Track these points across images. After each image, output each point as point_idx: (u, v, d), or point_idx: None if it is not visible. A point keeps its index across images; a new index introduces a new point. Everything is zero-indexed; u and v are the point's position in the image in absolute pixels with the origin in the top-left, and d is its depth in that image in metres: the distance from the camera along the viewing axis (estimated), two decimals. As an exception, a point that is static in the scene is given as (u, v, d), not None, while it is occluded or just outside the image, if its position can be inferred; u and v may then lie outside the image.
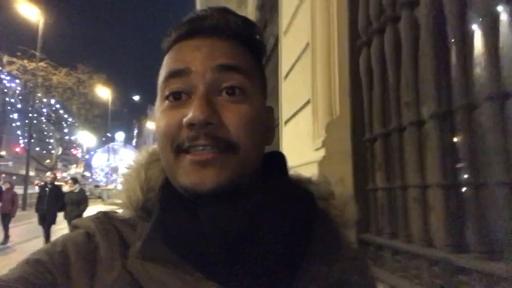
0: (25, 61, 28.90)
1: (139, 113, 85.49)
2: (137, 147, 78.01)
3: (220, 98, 0.61)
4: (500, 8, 1.23)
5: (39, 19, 29.45)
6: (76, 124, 39.37)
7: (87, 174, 51.45)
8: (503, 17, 1.22)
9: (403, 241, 1.72)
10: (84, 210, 9.86)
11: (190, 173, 0.59)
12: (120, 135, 67.43)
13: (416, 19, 1.67)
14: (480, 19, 1.27)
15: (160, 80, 0.67)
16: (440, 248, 1.46)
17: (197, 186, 0.58)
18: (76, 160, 48.97)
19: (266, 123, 0.69)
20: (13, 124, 41.46)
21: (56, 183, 10.76)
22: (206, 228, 0.57)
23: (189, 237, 0.58)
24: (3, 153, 42.25)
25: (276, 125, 3.01)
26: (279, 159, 0.73)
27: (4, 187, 12.41)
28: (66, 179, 17.06)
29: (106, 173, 62.99)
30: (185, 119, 0.58)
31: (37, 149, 36.72)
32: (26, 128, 32.59)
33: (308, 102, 2.75)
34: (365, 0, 2.13)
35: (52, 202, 9.81)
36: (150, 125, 79.39)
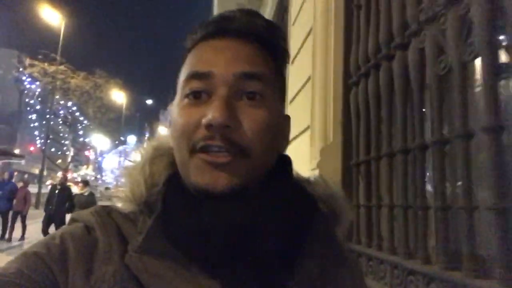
0: (46, 64, 29.57)
1: (151, 117, 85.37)
2: None
3: (240, 102, 0.62)
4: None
5: (60, 24, 30.20)
6: (91, 127, 40.08)
7: (95, 175, 51.61)
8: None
9: (375, 249, 2.08)
10: None
11: (203, 172, 0.59)
12: (132, 138, 67.57)
13: (391, 68, 2.05)
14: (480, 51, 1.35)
15: (181, 78, 0.67)
16: (400, 254, 1.81)
17: (209, 186, 0.58)
18: (87, 161, 49.22)
19: (282, 131, 0.70)
20: (31, 125, 42.25)
21: (67, 184, 10.97)
22: (208, 224, 0.57)
23: (190, 233, 0.57)
24: (17, 151, 42.95)
25: None
26: (286, 162, 0.73)
27: (18, 185, 12.49)
28: (76, 180, 16.29)
29: (117, 176, 63.55)
30: (204, 120, 0.59)
31: (52, 149, 37.36)
32: (44, 129, 33.36)
33: (307, 128, 3.04)
34: (356, 48, 2.52)
35: (61, 203, 9.84)
36: (162, 129, 79.79)
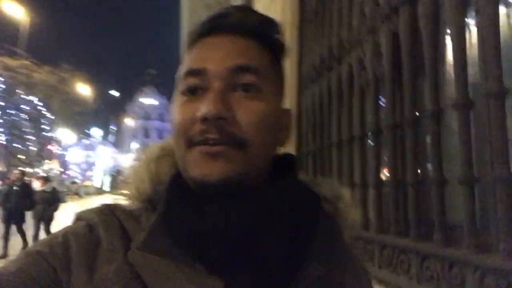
0: (7, 58, 29.17)
1: (117, 109, 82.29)
2: (116, 143, 75.52)
3: (235, 94, 0.61)
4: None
5: (23, 18, 29.71)
6: (56, 121, 39.68)
7: (61, 169, 50.17)
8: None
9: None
10: (56, 209, 9.49)
11: (200, 164, 0.58)
12: (96, 131, 65.71)
13: (330, 77, 2.65)
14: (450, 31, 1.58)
15: (179, 76, 0.67)
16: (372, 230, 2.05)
17: (205, 176, 0.57)
18: (49, 156, 47.67)
19: (280, 124, 0.69)
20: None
21: (24, 179, 10.14)
22: (211, 223, 0.56)
23: (193, 231, 0.57)
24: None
25: None
26: (290, 160, 0.73)
27: None
28: (38, 175, 15.77)
29: (84, 170, 62.60)
30: (198, 113, 0.58)
31: (16, 145, 36.59)
32: (7, 125, 32.79)
33: None
34: (306, 59, 3.14)
35: (20, 200, 9.17)
36: (128, 121, 77.73)
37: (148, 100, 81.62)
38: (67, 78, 34.91)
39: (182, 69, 0.66)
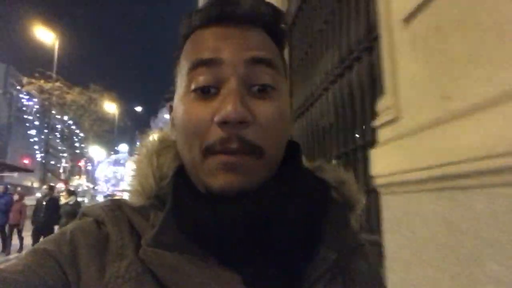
0: (42, 81, 31.14)
1: (141, 124, 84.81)
2: None
3: (251, 94, 0.57)
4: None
5: (54, 42, 31.48)
6: (87, 139, 41.58)
7: (90, 185, 51.33)
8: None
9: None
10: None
11: (218, 175, 0.55)
12: (123, 147, 67.35)
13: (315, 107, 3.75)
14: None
15: (183, 68, 0.61)
16: None
17: (224, 189, 0.55)
18: (79, 172, 48.83)
19: (289, 119, 0.66)
20: (31, 140, 43.26)
21: (54, 195, 10.35)
22: (223, 215, 0.54)
23: (204, 225, 0.55)
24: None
25: (363, 50, 2.67)
26: (294, 148, 0.69)
27: (14, 198, 11.84)
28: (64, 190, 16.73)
29: (113, 184, 64.16)
30: (217, 117, 0.54)
31: (52, 162, 38.61)
32: (42, 143, 34.73)
33: None
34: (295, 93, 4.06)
35: (49, 215, 9.35)
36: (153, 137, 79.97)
37: None
38: (96, 98, 36.68)
39: (188, 58, 0.60)
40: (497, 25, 1.00)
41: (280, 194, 0.58)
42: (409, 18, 1.43)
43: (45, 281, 0.52)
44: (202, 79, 0.58)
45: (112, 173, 63.00)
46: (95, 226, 0.61)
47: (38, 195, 11.20)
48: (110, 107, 41.18)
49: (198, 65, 0.58)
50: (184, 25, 0.65)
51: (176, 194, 0.60)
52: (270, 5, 0.65)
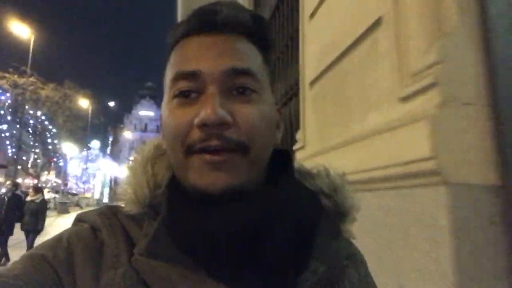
0: (16, 76, 31.21)
1: (114, 120, 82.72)
2: (112, 155, 75.10)
3: (231, 97, 0.58)
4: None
5: (30, 38, 31.41)
6: (60, 135, 41.58)
7: (58, 181, 49.63)
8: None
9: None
10: (43, 220, 9.06)
11: (202, 174, 0.56)
12: (95, 143, 66.16)
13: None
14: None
15: (167, 78, 0.63)
16: None
17: (208, 187, 0.56)
18: (48, 167, 47.80)
19: (276, 122, 0.67)
20: (2, 135, 42.83)
21: (17, 192, 9.73)
22: (214, 228, 0.54)
23: (197, 236, 0.55)
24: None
25: (293, 94, 3.19)
26: (284, 156, 0.69)
27: None
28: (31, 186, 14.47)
29: (84, 181, 63.59)
30: (196, 120, 0.56)
31: (24, 158, 38.43)
32: (13, 138, 34.58)
33: (379, 21, 1.69)
34: None
35: (11, 212, 8.71)
36: (128, 134, 78.03)
37: (146, 113, 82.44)
38: (70, 94, 36.84)
39: (171, 69, 0.62)
40: (355, 94, 1.88)
41: (271, 202, 0.58)
42: (311, 84, 2.33)
43: (41, 286, 0.52)
44: (183, 86, 0.59)
45: (82, 170, 62.45)
46: (91, 232, 0.61)
47: (3, 190, 10.46)
48: (84, 103, 41.00)
49: (178, 77, 0.59)
50: (169, 36, 0.66)
51: (169, 203, 0.60)
52: (250, 12, 0.65)
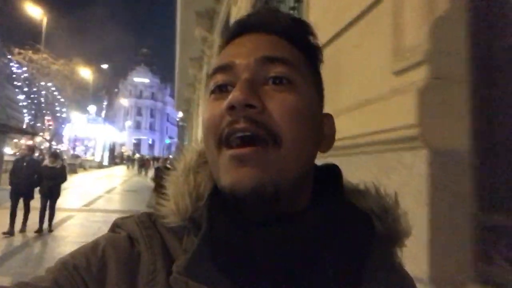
0: (31, 52, 30.55)
1: (108, 83, 77.55)
2: (108, 119, 68.64)
3: (266, 87, 0.49)
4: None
5: (42, 18, 30.56)
6: (68, 105, 40.86)
7: (53, 143, 47.89)
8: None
9: None
10: (62, 183, 8.16)
11: (229, 170, 0.46)
12: (92, 108, 62.55)
13: None
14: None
15: (208, 80, 0.55)
16: None
17: (235, 185, 0.45)
18: (42, 130, 43.35)
19: (320, 125, 0.55)
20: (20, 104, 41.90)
21: (33, 155, 8.90)
22: (260, 251, 0.45)
23: (239, 258, 0.45)
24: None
25: None
26: (333, 171, 0.57)
27: None
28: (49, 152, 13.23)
29: (86, 146, 61.56)
30: (224, 104, 0.47)
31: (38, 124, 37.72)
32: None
33: (374, 4, 1.69)
34: None
35: (29, 176, 7.78)
36: (123, 101, 73.92)
37: (141, 79, 77.20)
38: (77, 68, 36.13)
39: (211, 69, 0.54)
40: (351, 68, 1.89)
41: (317, 226, 0.47)
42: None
43: None
44: (219, 79, 0.51)
45: (86, 135, 60.45)
46: (128, 242, 0.52)
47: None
48: (86, 73, 39.47)
49: (215, 71, 0.52)
50: (219, 47, 0.59)
51: (211, 218, 0.49)
52: (291, 16, 0.57)
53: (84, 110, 46.03)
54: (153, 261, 0.49)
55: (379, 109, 1.50)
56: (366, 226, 0.51)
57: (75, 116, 42.56)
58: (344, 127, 1.69)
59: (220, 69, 0.52)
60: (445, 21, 1.31)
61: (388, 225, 0.55)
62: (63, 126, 46.54)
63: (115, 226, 0.56)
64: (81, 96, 39.40)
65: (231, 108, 0.46)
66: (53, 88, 37.64)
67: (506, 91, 1.20)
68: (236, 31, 0.56)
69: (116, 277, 0.48)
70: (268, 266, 0.45)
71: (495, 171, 1.21)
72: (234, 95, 0.45)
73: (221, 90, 0.51)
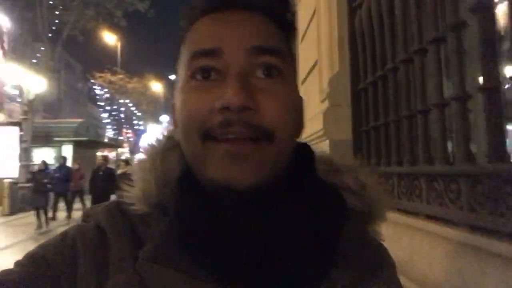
0: (109, 75, 33.96)
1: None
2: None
3: (255, 78, 0.46)
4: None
5: (117, 43, 34.03)
6: (145, 118, 44.55)
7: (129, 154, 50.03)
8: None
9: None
10: None
11: (224, 166, 0.43)
12: (164, 117, 65.67)
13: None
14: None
15: (184, 57, 0.49)
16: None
17: (230, 181, 0.43)
18: (122, 141, 46.33)
19: (302, 111, 0.54)
20: (103, 121, 46.08)
21: (109, 166, 9.54)
22: (229, 234, 0.43)
23: (208, 242, 0.44)
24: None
25: None
26: (305, 151, 0.56)
27: (74, 167, 11.05)
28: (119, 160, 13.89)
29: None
30: (218, 102, 0.43)
31: (120, 138, 41.80)
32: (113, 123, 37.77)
33: (316, 63, 3.01)
34: None
35: (106, 184, 8.32)
36: None
37: None
38: (149, 84, 39.60)
39: (188, 49, 0.49)
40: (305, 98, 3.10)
41: (290, 210, 0.46)
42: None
43: None
44: (202, 63, 0.46)
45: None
46: (97, 232, 0.49)
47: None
48: (157, 86, 42.33)
49: (198, 54, 0.46)
50: (185, 16, 0.52)
51: (178, 204, 0.47)
52: None
53: (157, 120, 49.15)
54: (121, 248, 0.47)
55: (314, 120, 2.59)
56: (336, 202, 0.51)
57: (150, 127, 45.58)
58: (305, 130, 3.07)
59: (204, 53, 0.46)
60: (338, 74, 2.49)
61: (364, 201, 0.54)
62: (140, 137, 50.16)
63: (86, 216, 0.54)
64: (154, 108, 42.60)
65: (226, 109, 0.43)
66: (130, 104, 41.07)
67: (366, 109, 2.30)
68: (218, 5, 0.50)
69: (86, 267, 0.45)
70: (239, 250, 0.43)
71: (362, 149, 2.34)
72: (231, 98, 0.42)
73: (203, 76, 0.46)
